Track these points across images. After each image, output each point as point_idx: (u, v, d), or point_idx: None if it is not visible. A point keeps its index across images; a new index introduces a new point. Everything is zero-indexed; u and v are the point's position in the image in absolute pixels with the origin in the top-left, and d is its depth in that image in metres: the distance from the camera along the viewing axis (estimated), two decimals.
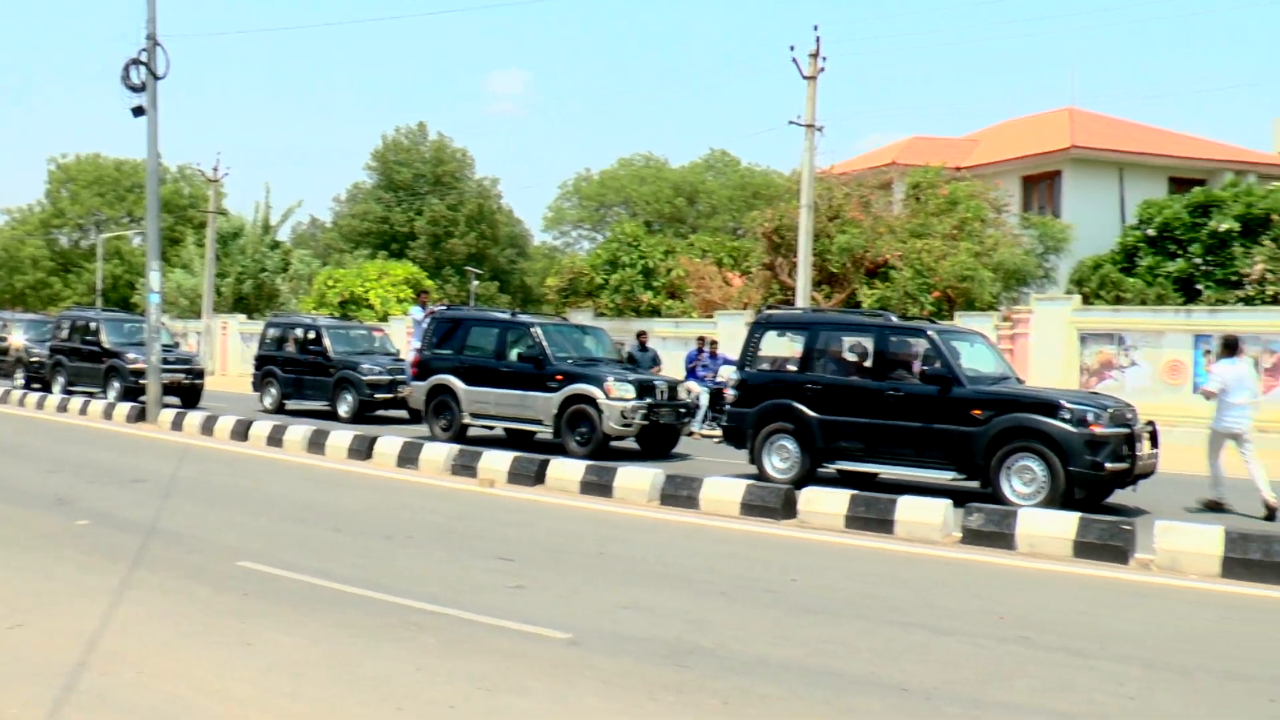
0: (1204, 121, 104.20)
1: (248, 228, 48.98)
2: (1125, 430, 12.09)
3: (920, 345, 13.44)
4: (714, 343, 23.05)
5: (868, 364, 13.65)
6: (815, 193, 26.59)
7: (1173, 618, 7.72)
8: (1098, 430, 11.81)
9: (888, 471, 13.56)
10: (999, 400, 12.53)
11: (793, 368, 14.43)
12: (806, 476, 13.49)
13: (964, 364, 13.11)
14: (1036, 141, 35.08)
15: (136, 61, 19.99)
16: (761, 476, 13.68)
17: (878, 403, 13.23)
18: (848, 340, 14.33)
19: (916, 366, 13.32)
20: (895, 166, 33.97)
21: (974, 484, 12.62)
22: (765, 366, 14.78)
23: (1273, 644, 7.02)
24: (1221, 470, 12.74)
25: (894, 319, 14.29)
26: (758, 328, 14.84)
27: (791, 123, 25.89)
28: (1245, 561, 8.92)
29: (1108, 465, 11.76)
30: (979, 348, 14.23)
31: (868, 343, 13.78)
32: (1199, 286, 25.92)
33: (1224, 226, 25.90)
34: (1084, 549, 9.59)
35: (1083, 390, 13.96)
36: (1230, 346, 13.09)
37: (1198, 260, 26.29)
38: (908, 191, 29.54)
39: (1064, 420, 11.92)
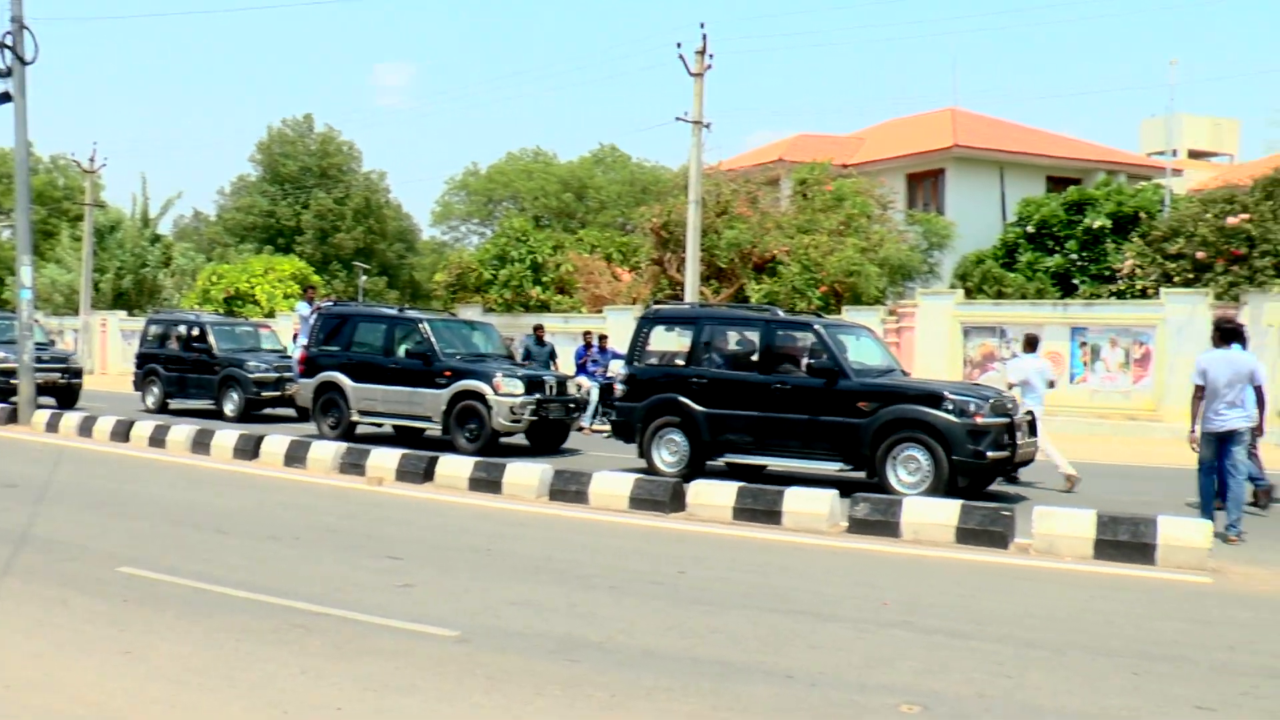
0: (1079, 123, 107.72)
1: (126, 221, 47.53)
2: (1005, 420, 12.46)
3: (807, 339, 13.66)
4: (603, 337, 23.09)
5: (755, 358, 13.82)
6: (703, 188, 26.81)
7: (1047, 599, 7.98)
8: (980, 420, 12.15)
9: (775, 463, 13.76)
10: (884, 392, 12.80)
11: (681, 362, 14.50)
12: (695, 470, 13.61)
13: (850, 357, 13.35)
14: (920, 140, 35.89)
15: (1, 45, 19.26)
16: (651, 470, 13.75)
17: (765, 396, 13.41)
18: (735, 335, 14.50)
19: (803, 360, 13.53)
20: (782, 163, 34.42)
21: (860, 474, 12.89)
22: (653, 361, 14.85)
23: (1138, 621, 7.31)
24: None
25: (780, 314, 14.47)
26: (645, 323, 14.90)
27: (679, 119, 26.11)
28: (1115, 543, 9.30)
29: (989, 454, 12.11)
30: (865, 341, 14.49)
31: (755, 337, 13.95)
32: (1075, 281, 26.86)
33: (1097, 224, 26.88)
34: (966, 535, 9.87)
35: (965, 382, 14.33)
36: (1031, 343, 14.72)
37: (1074, 256, 27.25)
38: (794, 188, 29.95)
39: (947, 411, 12.23)
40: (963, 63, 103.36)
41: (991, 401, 12.51)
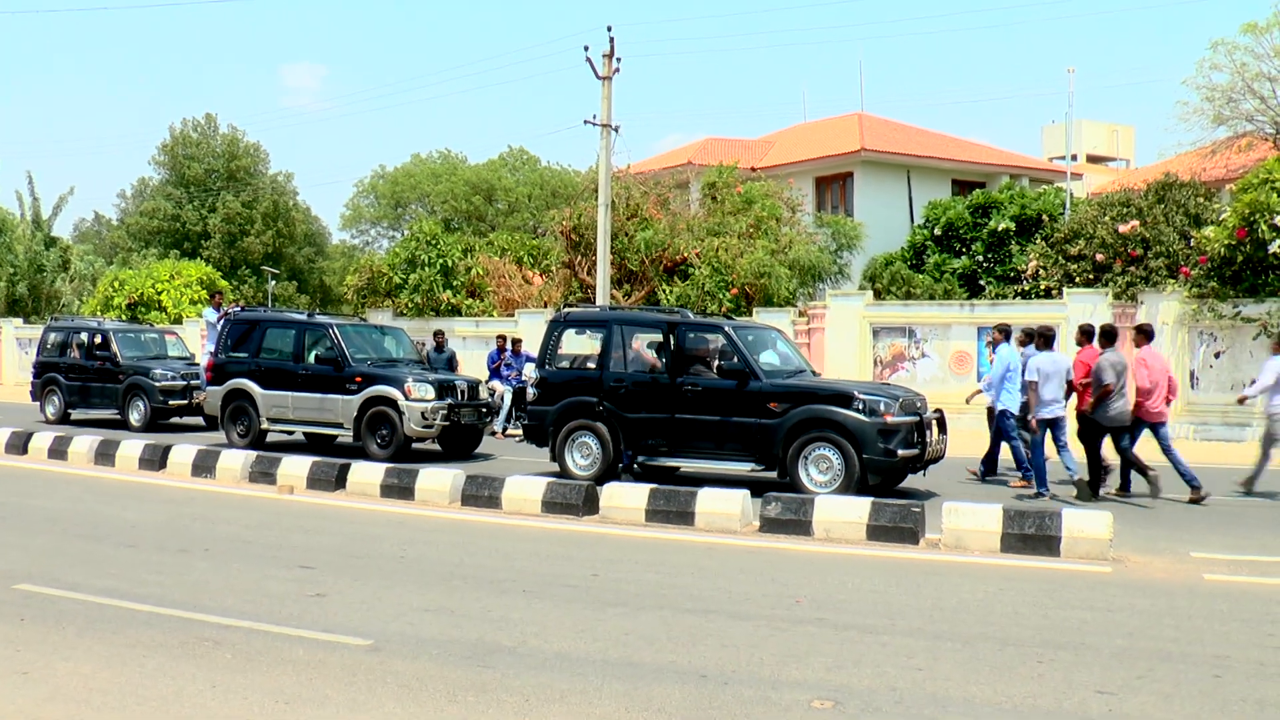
0: (983, 128, 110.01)
1: (13, 221, 46.03)
2: (915, 419, 12.66)
3: (717, 341, 13.74)
4: (517, 341, 23.01)
5: (666, 360, 13.87)
6: (613, 191, 26.82)
7: (957, 592, 8.13)
8: (890, 419, 12.33)
9: (688, 465, 13.82)
10: (795, 393, 12.93)
11: (592, 365, 14.49)
12: (608, 473, 13.62)
13: (760, 359, 13.46)
14: (828, 144, 36.33)
15: None
16: (564, 474, 13.73)
17: (677, 398, 13.46)
18: (645, 337, 14.53)
19: (714, 362, 13.61)
20: (691, 166, 34.60)
21: (773, 474, 13.00)
22: (565, 364, 14.82)
23: (1043, 611, 7.49)
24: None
25: (691, 315, 14.54)
26: (556, 326, 14.86)
27: (587, 122, 26.07)
28: (1022, 536, 9.52)
29: (900, 452, 12.29)
30: (775, 343, 14.63)
31: (665, 339, 14.01)
32: (981, 282, 27.41)
33: (1002, 226, 27.48)
34: (877, 532, 10.02)
35: (875, 382, 14.58)
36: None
37: (980, 257, 27.82)
38: (704, 191, 30.10)
39: (858, 411, 12.40)
40: (869, 68, 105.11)
41: (901, 400, 12.70)
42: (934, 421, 13.12)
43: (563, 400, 14.19)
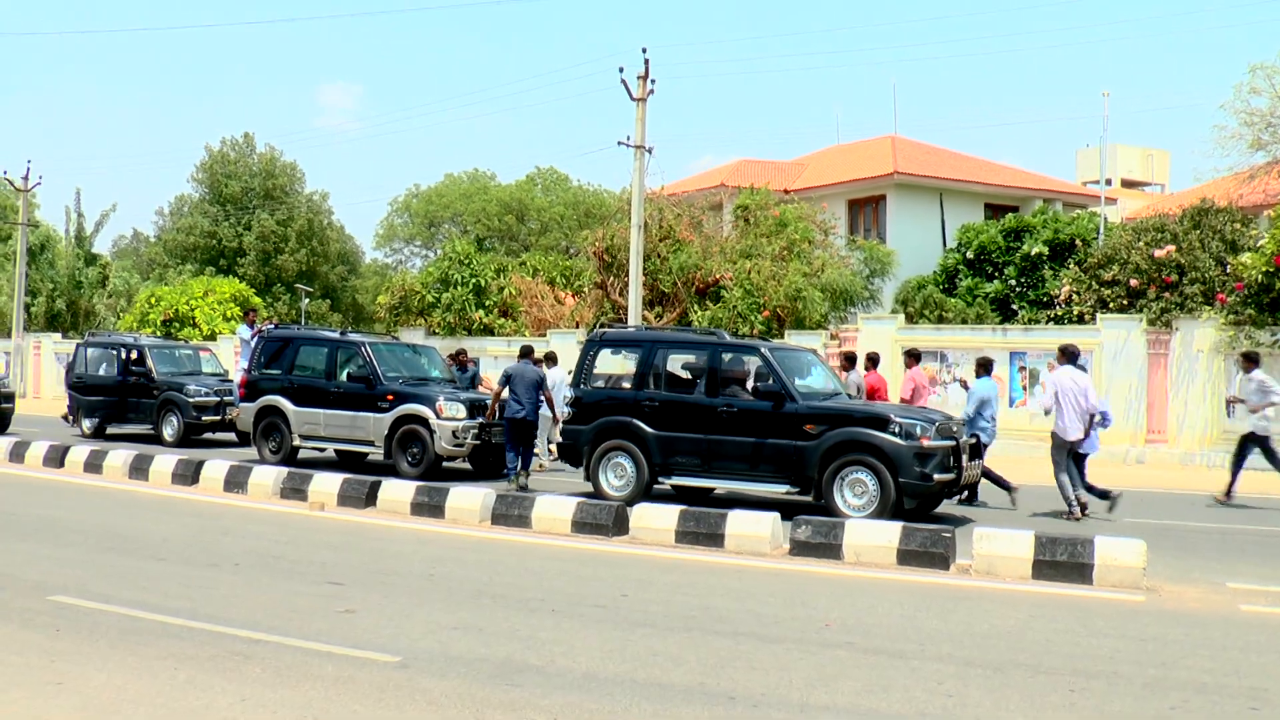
0: (1016, 152, 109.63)
1: (59, 238, 46.60)
2: (951, 443, 12.58)
3: (753, 362, 13.71)
4: (544, 355, 22.96)
5: (702, 381, 13.84)
6: (646, 213, 26.91)
7: (988, 618, 8.07)
8: (926, 443, 12.25)
9: (723, 486, 13.76)
10: (831, 415, 12.86)
11: (628, 385, 14.48)
12: (643, 493, 13.60)
13: (796, 381, 13.42)
14: (861, 167, 36.32)
15: None
16: (598, 494, 13.72)
17: (712, 419, 13.42)
18: (682, 358, 14.51)
19: (750, 383, 13.57)
20: (724, 188, 34.68)
21: (807, 497, 12.93)
22: (600, 384, 14.81)
23: (1075, 639, 7.41)
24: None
25: (727, 337, 14.53)
26: (592, 345, 14.87)
27: (621, 144, 26.21)
28: (1053, 563, 9.43)
29: (936, 476, 12.21)
30: (811, 364, 14.59)
31: (701, 360, 13.96)
32: (1014, 306, 27.26)
33: (1035, 250, 27.35)
34: (907, 556, 9.96)
35: (911, 405, 14.44)
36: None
37: (1012, 282, 27.68)
38: (737, 213, 30.14)
39: (894, 434, 12.32)
40: (903, 92, 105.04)
41: (938, 424, 12.61)
42: (969, 446, 13.06)
43: (597, 420, 14.16)
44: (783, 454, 12.93)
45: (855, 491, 12.43)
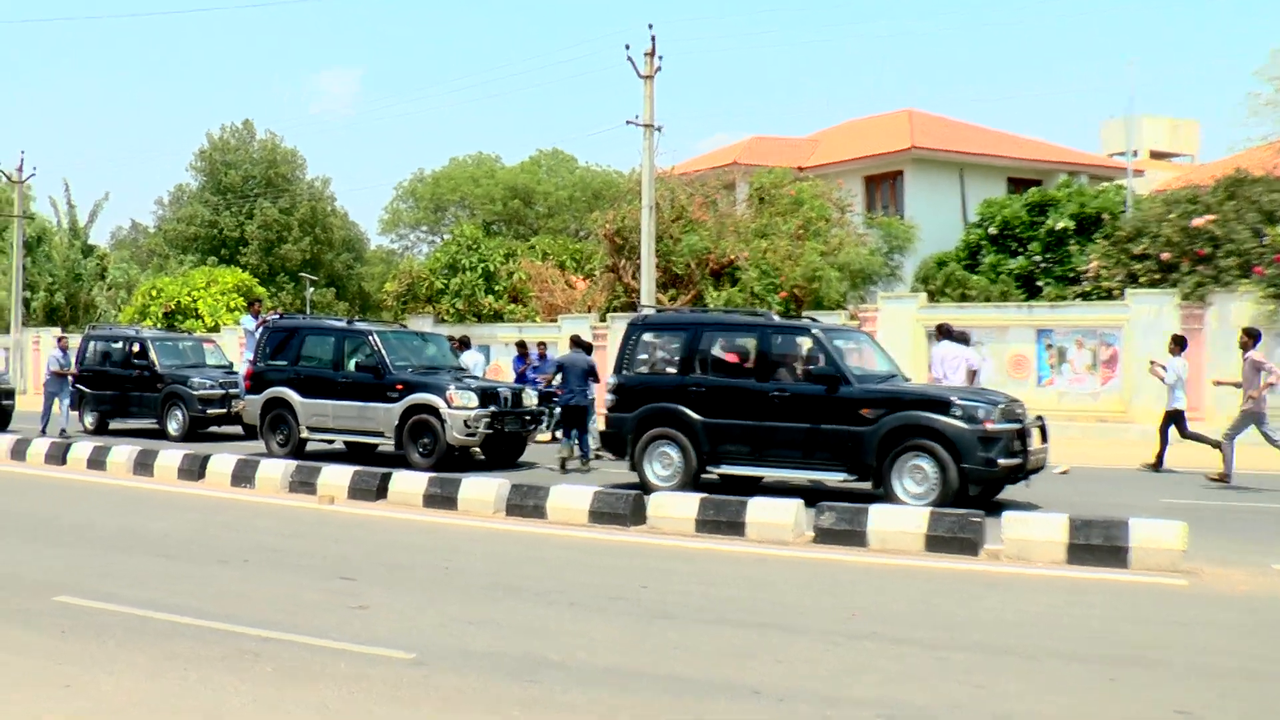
0: (1038, 124, 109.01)
1: (52, 230, 46.70)
2: (1016, 425, 12.34)
3: (805, 344, 13.52)
4: (542, 344, 22.99)
5: (751, 365, 13.71)
6: (657, 193, 26.83)
7: (1020, 605, 8.01)
8: (989, 426, 12.00)
9: (775, 475, 13.65)
10: (888, 398, 12.65)
11: (673, 370, 14.28)
12: (690, 483, 13.42)
13: (850, 363, 13.28)
14: (877, 142, 36.14)
15: None
16: (643, 486, 13.48)
17: (763, 404, 13.23)
18: (729, 340, 14.38)
19: (802, 366, 13.42)
20: (737, 166, 34.56)
21: (865, 485, 12.77)
22: (644, 369, 14.64)
23: (1111, 625, 7.35)
24: None
25: (776, 317, 14.37)
26: (635, 329, 14.71)
27: (629, 122, 26.10)
28: (1088, 547, 9.35)
29: (1000, 461, 11.96)
30: (865, 346, 14.45)
31: (750, 343, 13.84)
32: (1039, 283, 27.09)
33: (1060, 225, 27.17)
34: (935, 543, 9.89)
35: (972, 387, 14.21)
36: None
37: (1037, 258, 27.50)
38: (752, 192, 30.04)
39: (956, 417, 12.07)
40: (919, 64, 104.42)
41: (1001, 406, 12.34)
42: (1035, 428, 12.79)
43: (641, 407, 14.01)
44: (838, 440, 12.70)
45: (915, 479, 12.17)
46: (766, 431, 13.22)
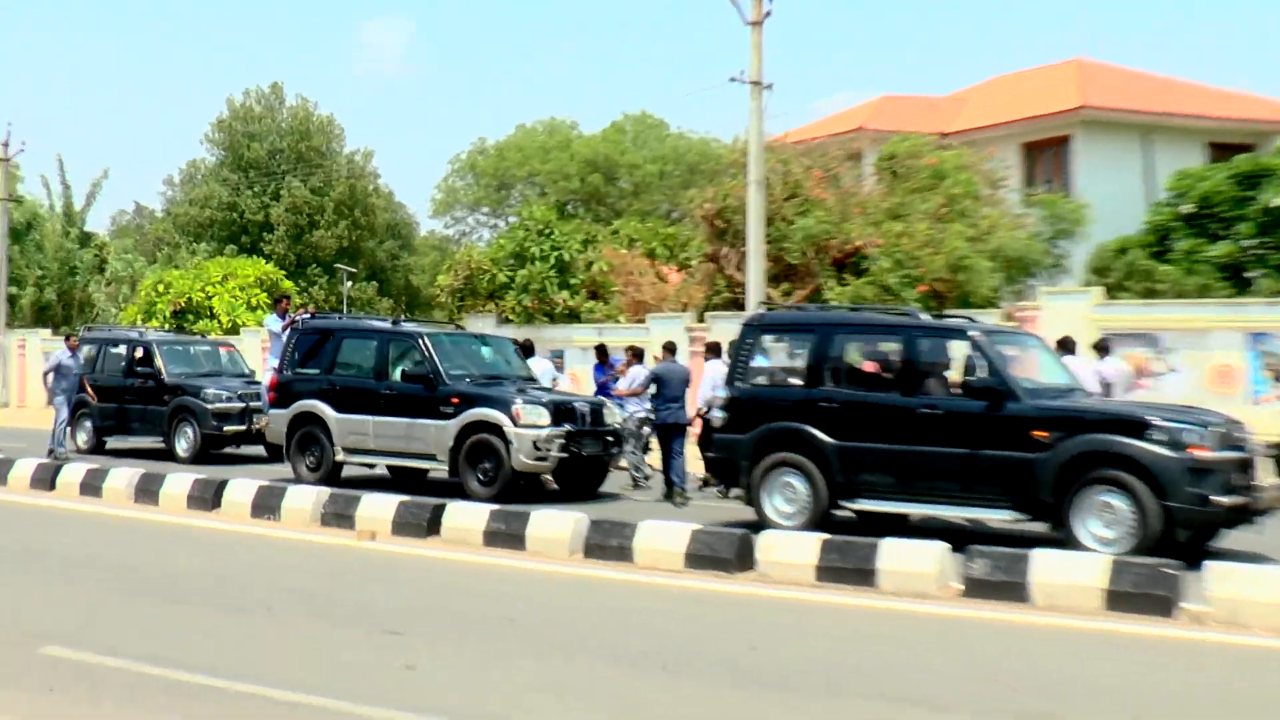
0: (1248, 75, 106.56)
1: (43, 214, 47.73)
2: (1239, 454, 12.00)
3: (961, 349, 13.41)
4: (633, 349, 22.79)
5: (893, 375, 13.63)
6: (767, 166, 26.73)
7: (1229, 682, 7.78)
8: (1201, 454, 11.69)
9: (924, 511, 13.56)
10: (1068, 418, 12.44)
11: (798, 381, 14.25)
12: (819, 520, 13.25)
13: (1018, 372, 13.10)
14: (1039, 101, 35.62)
15: None
16: (762, 523, 13.42)
17: (910, 424, 13.13)
18: (867, 345, 14.31)
19: (955, 377, 13.32)
20: (864, 132, 34.34)
21: (1040, 526, 12.58)
22: (762, 381, 14.62)
23: None
24: None
25: (924, 316, 14.26)
26: (752, 331, 14.69)
27: (733, 80, 25.97)
28: None
29: (1218, 499, 11.60)
30: (1035, 352, 14.34)
31: (894, 348, 13.75)
32: (1250, 274, 26.39)
33: (1277, 201, 26.43)
34: (1117, 600, 9.67)
35: (1176, 404, 13.79)
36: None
37: (1247, 242, 26.77)
38: (881, 163, 29.81)
39: (1156, 442, 11.77)
40: (1091, 2, 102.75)
41: (1216, 429, 11.99)
42: (1272, 457, 12.32)
43: (759, 427, 13.93)
44: (1004, 469, 12.50)
45: (1104, 519, 11.88)
46: (914, 458, 13.07)
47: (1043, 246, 28.59)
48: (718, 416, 14.56)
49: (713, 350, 18.19)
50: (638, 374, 18.73)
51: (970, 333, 13.31)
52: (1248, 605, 9.23)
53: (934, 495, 13.11)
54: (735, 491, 14.40)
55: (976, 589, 10.21)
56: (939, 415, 12.99)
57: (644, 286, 31.74)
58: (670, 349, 18.02)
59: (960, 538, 11.87)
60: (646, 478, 18.09)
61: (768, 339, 14.78)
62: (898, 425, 13.21)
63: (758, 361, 14.61)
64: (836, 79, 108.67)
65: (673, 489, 16.62)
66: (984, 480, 12.66)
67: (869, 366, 14.03)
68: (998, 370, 12.79)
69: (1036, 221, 29.29)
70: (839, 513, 13.65)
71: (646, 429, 18.68)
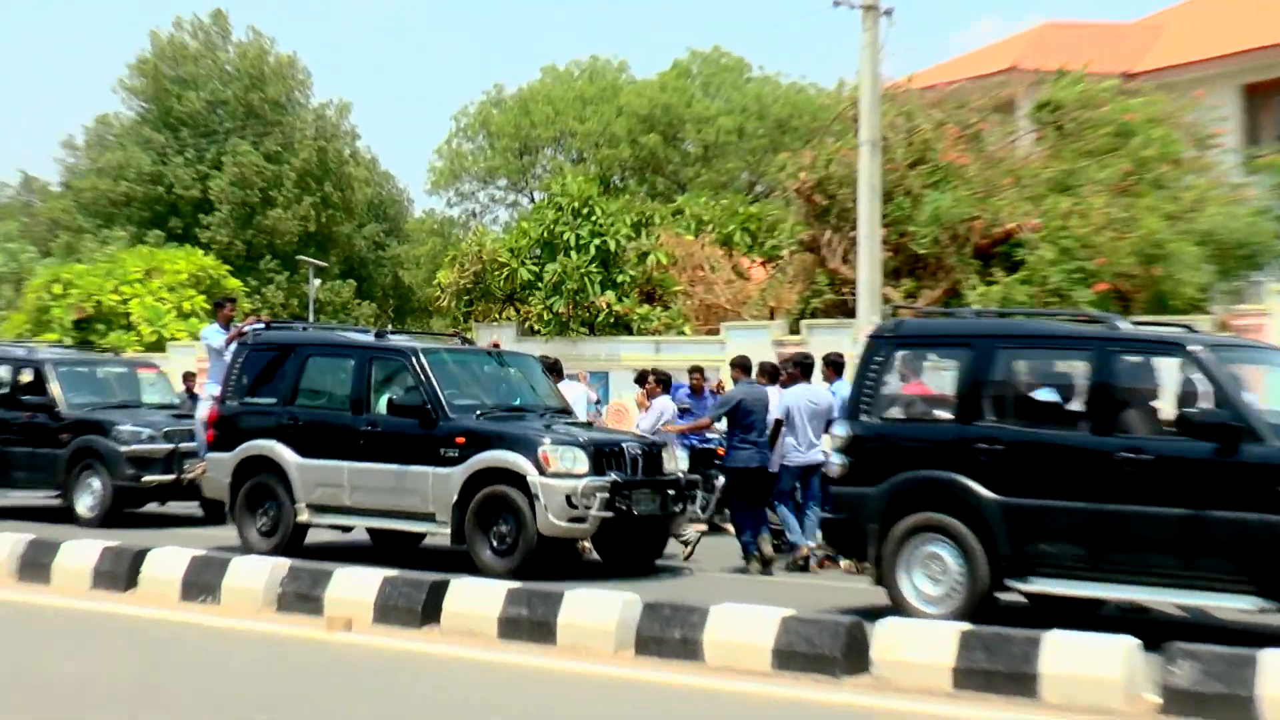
0: None
1: None
2: None
3: (1170, 369, 13.42)
4: (698, 370, 22.66)
5: (1078, 406, 13.58)
6: (886, 121, 26.67)
7: None
8: None
9: (1125, 596, 13.50)
10: None
11: (946, 415, 14.29)
12: (976, 605, 13.20)
13: (1259, 403, 12.95)
14: (1264, 28, 35.40)
15: None
16: (898, 606, 13.42)
17: (1107, 474, 12.98)
18: (1044, 364, 14.31)
19: (1169, 408, 13.25)
20: (1018, 73, 34.25)
21: None
22: (897, 414, 14.68)
23: None
24: None
25: (1123, 325, 14.05)
26: (883, 345, 14.65)
27: (838, 3, 25.93)
28: None
29: None
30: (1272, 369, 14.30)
31: (1080, 369, 13.70)
32: None
33: None
34: None
35: None
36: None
37: None
38: (1041, 115, 29.68)
39: None
40: None
41: None
42: None
43: (894, 478, 13.91)
44: (1239, 538, 12.31)
45: None
46: (1111, 520, 12.89)
47: (1273, 228, 28.36)
48: (837, 463, 14.45)
49: (801, 369, 17.68)
50: (666, 408, 18.65)
51: (1190, 347, 13.16)
52: None
53: (1139, 573, 12.90)
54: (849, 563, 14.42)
55: (1180, 703, 10.06)
56: (1147, 461, 12.78)
57: (717, 284, 31.76)
58: (743, 366, 17.78)
59: (1158, 632, 11.77)
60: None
61: (903, 355, 14.72)
62: (1088, 475, 13.05)
63: (890, 387, 14.56)
64: (979, 2, 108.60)
65: (748, 554, 16.57)
66: (1212, 552, 12.45)
67: (1044, 394, 13.90)
68: (1230, 399, 12.58)
69: (1263, 193, 29.09)
70: (1005, 595, 13.55)
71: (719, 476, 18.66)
